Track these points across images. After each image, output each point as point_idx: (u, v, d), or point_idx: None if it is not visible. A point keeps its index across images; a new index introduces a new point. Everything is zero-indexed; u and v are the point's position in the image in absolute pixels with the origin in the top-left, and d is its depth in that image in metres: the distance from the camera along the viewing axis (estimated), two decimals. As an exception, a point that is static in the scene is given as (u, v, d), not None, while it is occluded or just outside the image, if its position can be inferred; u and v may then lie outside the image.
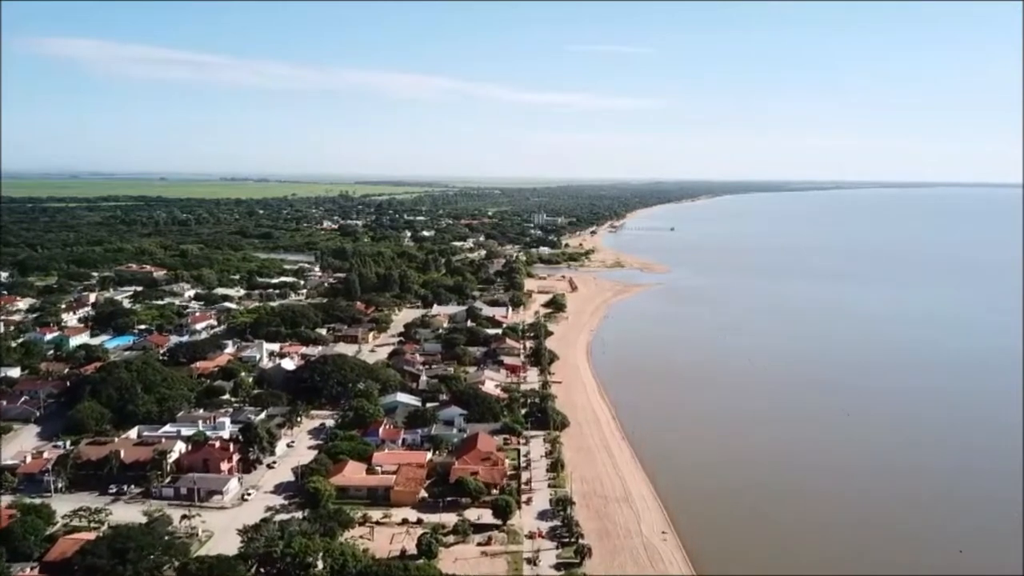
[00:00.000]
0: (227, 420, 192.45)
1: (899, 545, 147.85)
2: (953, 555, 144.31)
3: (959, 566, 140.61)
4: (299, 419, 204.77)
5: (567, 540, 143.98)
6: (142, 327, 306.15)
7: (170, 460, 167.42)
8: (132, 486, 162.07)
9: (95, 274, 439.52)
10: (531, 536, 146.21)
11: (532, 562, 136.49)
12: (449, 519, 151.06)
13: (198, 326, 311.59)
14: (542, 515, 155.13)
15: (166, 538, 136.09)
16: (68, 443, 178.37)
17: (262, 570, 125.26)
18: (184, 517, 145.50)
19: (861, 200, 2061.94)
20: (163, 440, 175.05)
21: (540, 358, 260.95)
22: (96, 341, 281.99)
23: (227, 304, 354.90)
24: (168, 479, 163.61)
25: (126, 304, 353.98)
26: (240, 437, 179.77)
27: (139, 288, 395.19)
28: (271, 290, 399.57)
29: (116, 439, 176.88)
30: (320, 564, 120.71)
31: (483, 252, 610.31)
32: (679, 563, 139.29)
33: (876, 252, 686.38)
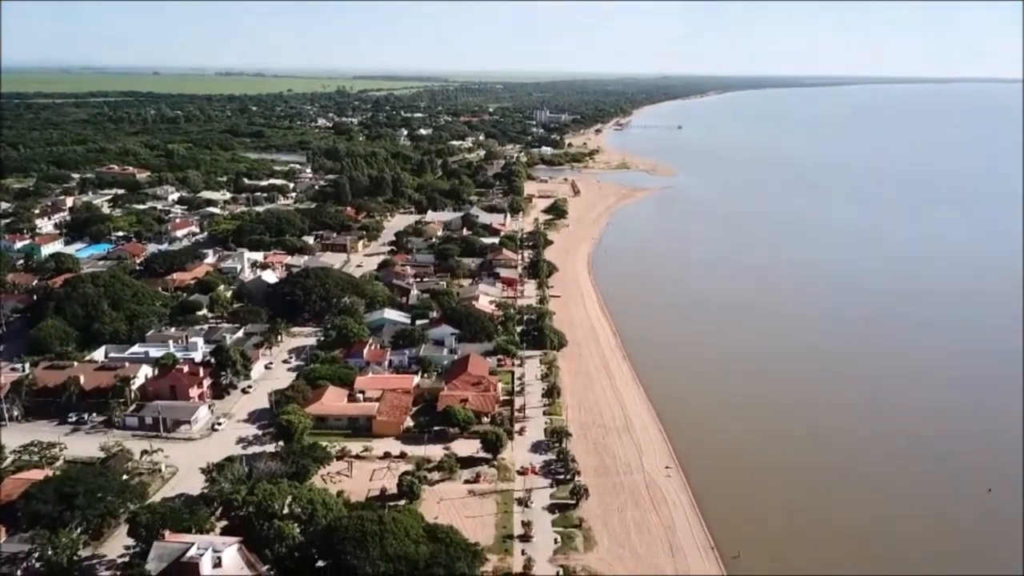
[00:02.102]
0: (200, 340, 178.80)
1: (922, 484, 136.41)
2: (981, 494, 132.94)
3: (988, 505, 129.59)
4: (279, 338, 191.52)
5: (562, 477, 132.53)
6: (119, 234, 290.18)
7: (134, 386, 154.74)
8: (94, 414, 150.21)
9: (76, 176, 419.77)
10: (523, 472, 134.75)
11: (523, 503, 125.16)
12: (435, 452, 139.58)
13: (179, 233, 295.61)
14: (536, 447, 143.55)
15: (124, 477, 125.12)
16: (27, 365, 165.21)
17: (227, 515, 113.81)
18: (145, 452, 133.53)
19: (868, 97, 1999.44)
20: (126, 365, 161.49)
21: (538, 271, 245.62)
22: (70, 250, 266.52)
23: (211, 209, 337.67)
24: (133, 407, 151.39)
25: (105, 209, 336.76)
26: (212, 360, 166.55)
27: (120, 191, 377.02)
28: (258, 193, 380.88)
29: (76, 363, 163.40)
30: (287, 510, 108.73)
31: (482, 152, 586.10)
32: (684, 504, 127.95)
33: (890, 164, 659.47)
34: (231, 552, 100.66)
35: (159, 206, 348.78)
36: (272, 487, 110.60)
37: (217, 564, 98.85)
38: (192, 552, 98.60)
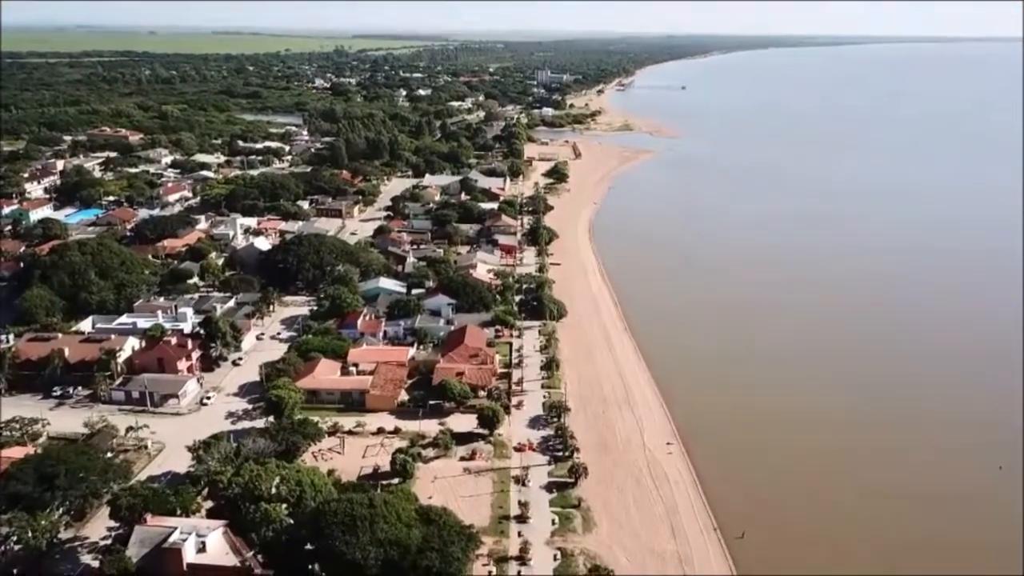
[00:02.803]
0: (189, 310, 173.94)
1: (933, 461, 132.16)
2: (992, 471, 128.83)
3: (998, 482, 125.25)
4: (271, 307, 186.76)
5: (561, 454, 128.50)
6: (110, 199, 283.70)
7: (120, 359, 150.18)
8: (79, 388, 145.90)
9: (67, 138, 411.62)
10: (520, 449, 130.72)
11: (520, 481, 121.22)
12: (430, 427, 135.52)
13: (171, 198, 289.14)
14: (534, 422, 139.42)
15: (108, 455, 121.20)
16: (11, 337, 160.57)
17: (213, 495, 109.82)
18: (130, 428, 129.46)
19: (877, 57, 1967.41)
20: (112, 337, 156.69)
21: (538, 238, 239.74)
22: (59, 215, 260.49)
23: (204, 173, 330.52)
24: (119, 380, 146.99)
25: (96, 173, 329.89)
26: (201, 331, 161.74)
27: (112, 154, 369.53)
28: (253, 156, 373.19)
29: (61, 334, 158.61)
30: (275, 491, 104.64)
31: (481, 114, 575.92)
32: (686, 482, 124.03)
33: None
34: (216, 536, 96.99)
35: (151, 169, 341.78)
36: (259, 468, 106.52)
37: (201, 549, 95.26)
38: (175, 537, 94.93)
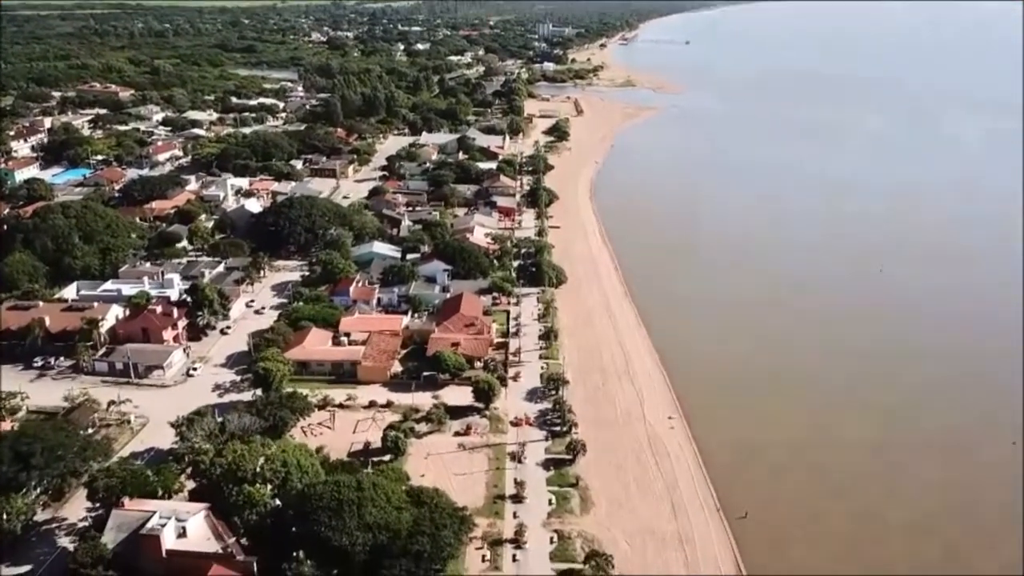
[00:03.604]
0: (176, 276, 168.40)
1: (944, 433, 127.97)
2: (1006, 446, 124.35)
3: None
4: (262, 273, 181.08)
5: (558, 429, 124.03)
6: (98, 158, 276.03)
7: (103, 328, 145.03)
8: (61, 358, 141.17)
9: (56, 94, 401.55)
10: (516, 423, 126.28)
11: (516, 458, 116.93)
12: (424, 400, 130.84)
13: (161, 157, 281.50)
14: (531, 395, 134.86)
15: (89, 431, 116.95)
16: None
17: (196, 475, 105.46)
18: (112, 403, 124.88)
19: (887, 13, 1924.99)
20: (95, 306, 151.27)
21: (538, 199, 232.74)
22: (46, 175, 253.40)
23: (195, 131, 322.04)
24: (102, 351, 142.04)
25: (85, 130, 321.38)
26: (188, 299, 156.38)
27: (102, 111, 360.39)
28: (247, 114, 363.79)
29: (42, 302, 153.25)
30: (259, 470, 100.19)
31: (481, 68, 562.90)
32: (687, 459, 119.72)
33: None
34: (197, 520, 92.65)
35: (142, 127, 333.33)
36: (243, 447, 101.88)
37: (182, 534, 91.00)
38: (153, 522, 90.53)
